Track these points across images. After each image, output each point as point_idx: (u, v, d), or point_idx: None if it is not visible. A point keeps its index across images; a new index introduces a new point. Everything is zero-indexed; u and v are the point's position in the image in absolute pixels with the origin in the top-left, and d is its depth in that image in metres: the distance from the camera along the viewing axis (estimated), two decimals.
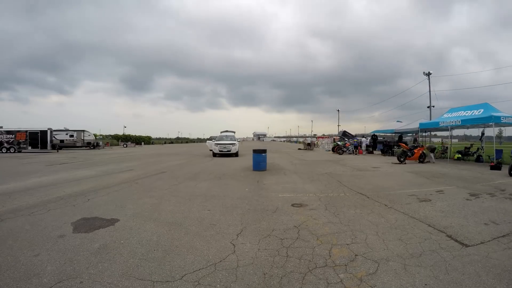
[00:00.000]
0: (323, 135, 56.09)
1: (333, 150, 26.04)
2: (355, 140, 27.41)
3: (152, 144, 67.55)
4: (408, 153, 15.12)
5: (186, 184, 8.16)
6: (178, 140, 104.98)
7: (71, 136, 36.15)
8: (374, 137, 26.72)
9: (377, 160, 17.55)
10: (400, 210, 5.18)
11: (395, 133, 23.96)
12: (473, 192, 6.81)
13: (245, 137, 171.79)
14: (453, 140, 21.15)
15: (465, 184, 8.08)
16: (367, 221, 4.50)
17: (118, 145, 52.62)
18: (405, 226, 4.25)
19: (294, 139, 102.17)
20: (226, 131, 23.66)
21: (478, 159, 15.47)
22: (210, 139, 26.14)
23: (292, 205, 5.64)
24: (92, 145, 37.02)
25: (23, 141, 28.65)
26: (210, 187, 7.74)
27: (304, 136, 63.02)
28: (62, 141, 35.16)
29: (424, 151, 15.29)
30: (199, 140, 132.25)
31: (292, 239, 3.73)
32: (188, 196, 6.52)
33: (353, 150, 24.16)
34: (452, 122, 14.76)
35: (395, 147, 21.45)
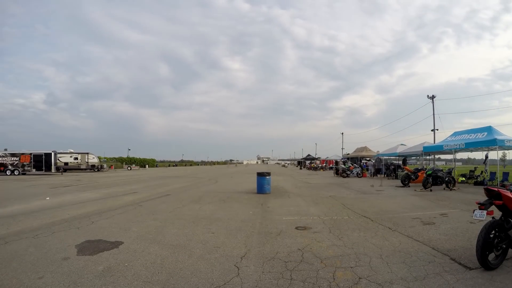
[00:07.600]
0: (327, 158, 55.79)
1: (337, 173, 25.94)
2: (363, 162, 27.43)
3: (157, 167, 67.77)
4: (412, 176, 15.04)
5: (190, 207, 8.17)
6: (182, 163, 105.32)
7: (75, 158, 36.50)
8: (378, 160, 26.66)
9: (381, 183, 17.40)
10: (404, 233, 5.15)
11: (399, 156, 23.90)
12: None
13: (248, 161, 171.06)
14: (456, 163, 21.01)
15: (469, 207, 7.97)
16: (371, 244, 4.48)
17: (122, 167, 52.87)
18: (409, 249, 4.23)
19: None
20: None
21: (482, 182, 15.31)
22: None
23: (296, 228, 5.63)
24: (96, 168, 37.26)
25: (27, 164, 28.98)
26: (214, 210, 7.75)
27: (309, 159, 62.97)
28: (66, 163, 35.47)
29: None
30: (203, 163, 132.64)
31: (296, 262, 3.72)
32: (192, 218, 6.54)
33: (357, 173, 24.07)
34: (456, 145, 14.78)
35: (399, 170, 21.36)
